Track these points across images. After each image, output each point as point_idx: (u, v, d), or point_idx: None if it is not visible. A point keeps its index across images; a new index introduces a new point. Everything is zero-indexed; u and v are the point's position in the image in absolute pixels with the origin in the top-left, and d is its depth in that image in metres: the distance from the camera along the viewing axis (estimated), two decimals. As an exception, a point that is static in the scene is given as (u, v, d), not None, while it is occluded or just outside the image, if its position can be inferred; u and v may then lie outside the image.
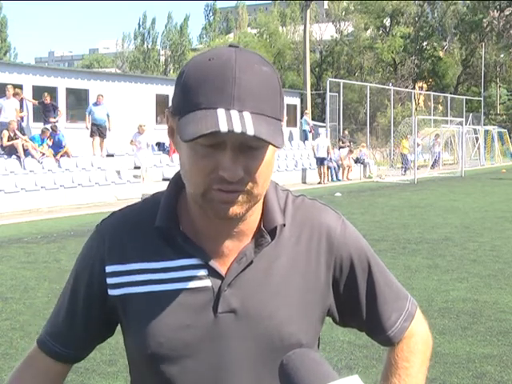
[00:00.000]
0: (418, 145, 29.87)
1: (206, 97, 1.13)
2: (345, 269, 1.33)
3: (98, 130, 20.37)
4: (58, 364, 1.39)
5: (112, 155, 21.16)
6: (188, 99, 1.15)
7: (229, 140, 1.13)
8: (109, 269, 1.29)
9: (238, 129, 1.09)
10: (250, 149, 1.15)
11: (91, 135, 20.38)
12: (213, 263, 1.25)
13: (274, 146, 1.12)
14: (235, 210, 1.18)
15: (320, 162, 24.24)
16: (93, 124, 20.31)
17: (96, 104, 20.52)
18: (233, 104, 1.11)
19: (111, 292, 1.29)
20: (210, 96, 1.12)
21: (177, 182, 1.30)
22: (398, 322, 1.38)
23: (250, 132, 1.09)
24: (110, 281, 1.29)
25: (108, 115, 20.47)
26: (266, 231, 1.27)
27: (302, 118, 29.64)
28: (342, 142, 27.53)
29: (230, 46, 1.19)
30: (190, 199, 1.25)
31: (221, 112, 1.11)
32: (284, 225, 1.29)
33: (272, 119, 1.14)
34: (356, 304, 1.36)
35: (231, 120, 1.10)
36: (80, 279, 1.34)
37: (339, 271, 1.33)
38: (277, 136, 1.13)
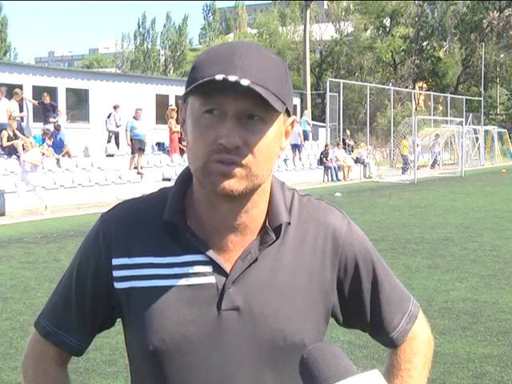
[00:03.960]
0: (418, 145, 29.88)
1: (210, 69, 1.17)
2: (349, 270, 1.33)
3: (141, 146, 19.53)
4: (67, 355, 1.40)
5: (112, 155, 21.16)
6: (194, 75, 1.19)
7: (230, 108, 1.16)
8: (115, 261, 1.29)
9: (232, 78, 1.13)
10: (250, 121, 1.18)
11: (133, 152, 19.48)
12: (218, 260, 1.25)
13: (270, 105, 1.15)
14: (232, 184, 1.19)
15: (295, 148, 24.82)
16: (134, 140, 19.38)
17: (136, 118, 19.63)
18: (234, 72, 1.15)
19: (117, 285, 1.29)
20: (214, 67, 1.17)
21: (184, 177, 1.31)
22: (401, 323, 1.38)
23: (244, 82, 1.13)
24: (116, 274, 1.29)
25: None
26: (271, 229, 1.27)
27: (301, 117, 29.64)
28: (344, 143, 27.73)
29: None
30: (195, 185, 1.27)
31: (220, 75, 1.15)
32: (289, 223, 1.29)
33: (273, 94, 1.17)
34: (360, 305, 1.36)
35: (228, 76, 1.14)
36: (86, 269, 1.33)
37: (344, 272, 1.33)
38: (274, 100, 1.16)
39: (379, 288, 1.36)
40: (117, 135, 21.72)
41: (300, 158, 25.40)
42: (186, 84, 1.23)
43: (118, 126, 21.47)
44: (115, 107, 21.48)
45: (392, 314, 1.37)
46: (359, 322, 1.39)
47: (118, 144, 21.71)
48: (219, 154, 1.17)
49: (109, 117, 21.53)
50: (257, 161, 1.19)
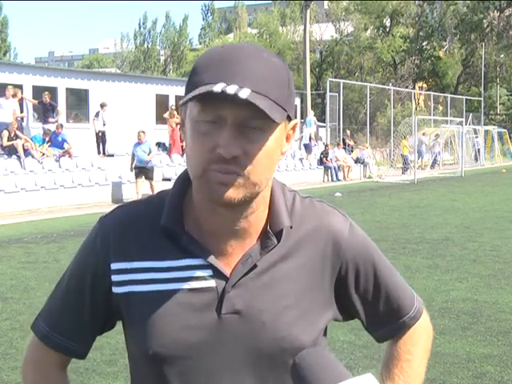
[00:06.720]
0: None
1: (210, 74, 1.15)
2: (351, 272, 1.33)
3: (143, 172, 17.58)
4: (66, 357, 1.39)
5: (112, 155, 21.15)
6: (194, 79, 1.17)
7: (229, 117, 1.14)
8: (114, 266, 1.28)
9: (231, 90, 1.10)
10: (250, 130, 1.15)
11: (136, 177, 17.72)
12: (217, 264, 1.24)
13: (270, 117, 1.12)
14: (230, 193, 1.17)
15: (307, 148, 26.06)
16: (135, 167, 17.67)
17: (138, 144, 17.71)
18: (234, 80, 1.13)
19: (115, 290, 1.28)
20: (214, 74, 1.14)
21: (183, 181, 1.30)
22: (405, 318, 1.40)
23: (243, 95, 1.10)
24: (114, 278, 1.28)
25: (150, 150, 17.93)
26: (273, 233, 1.26)
27: (305, 117, 29.61)
28: (345, 143, 27.82)
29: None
30: (194, 190, 1.25)
31: (220, 83, 1.12)
32: (291, 227, 1.28)
33: (274, 103, 1.15)
34: (361, 304, 1.37)
35: (227, 87, 1.11)
36: (85, 272, 1.32)
37: (345, 274, 1.33)
38: (274, 111, 1.13)
39: (381, 288, 1.37)
40: (103, 134, 21.14)
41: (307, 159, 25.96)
42: (185, 86, 1.21)
43: (104, 125, 21.00)
44: (102, 105, 21.04)
45: (395, 312, 1.39)
46: (360, 316, 1.40)
47: (104, 143, 21.27)
48: (217, 164, 1.15)
49: (97, 115, 21.19)
50: (256, 170, 1.17)
